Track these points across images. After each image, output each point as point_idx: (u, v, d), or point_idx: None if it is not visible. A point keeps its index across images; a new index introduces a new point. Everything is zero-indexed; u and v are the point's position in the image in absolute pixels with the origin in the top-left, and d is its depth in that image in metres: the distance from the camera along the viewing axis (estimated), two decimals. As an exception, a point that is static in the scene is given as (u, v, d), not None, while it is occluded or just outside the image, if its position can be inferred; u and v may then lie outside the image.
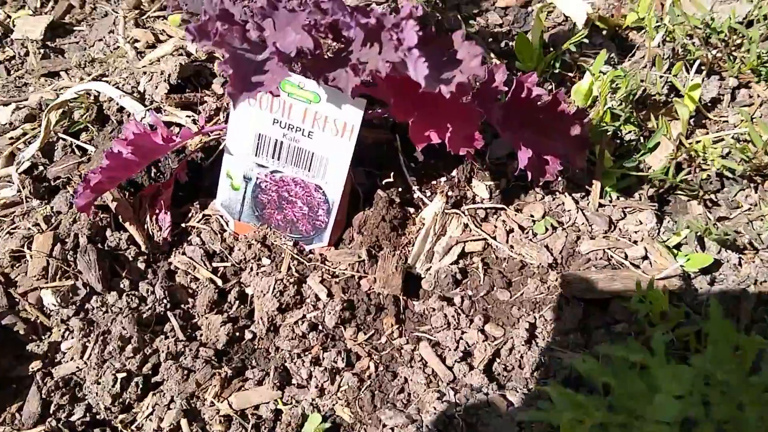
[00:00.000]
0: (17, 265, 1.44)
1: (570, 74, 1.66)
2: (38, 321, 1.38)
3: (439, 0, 1.83)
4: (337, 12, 1.03)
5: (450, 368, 1.32)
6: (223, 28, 1.04)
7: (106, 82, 1.67)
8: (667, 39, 1.65)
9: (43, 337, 1.37)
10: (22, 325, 1.36)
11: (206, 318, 1.41)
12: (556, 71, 1.65)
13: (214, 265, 1.48)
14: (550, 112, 1.40)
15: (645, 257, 1.43)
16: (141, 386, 1.31)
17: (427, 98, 1.30)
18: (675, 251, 1.44)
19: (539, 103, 1.39)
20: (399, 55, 0.99)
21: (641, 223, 1.47)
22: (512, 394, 1.27)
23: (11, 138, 1.67)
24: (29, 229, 1.47)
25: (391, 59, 1.01)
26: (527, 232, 1.48)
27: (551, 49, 1.69)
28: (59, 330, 1.37)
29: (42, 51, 1.90)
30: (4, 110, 1.73)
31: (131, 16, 1.90)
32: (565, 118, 1.40)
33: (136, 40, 1.82)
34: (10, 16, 2.01)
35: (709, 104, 1.63)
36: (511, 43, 1.73)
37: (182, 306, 1.44)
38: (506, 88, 1.39)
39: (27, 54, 1.91)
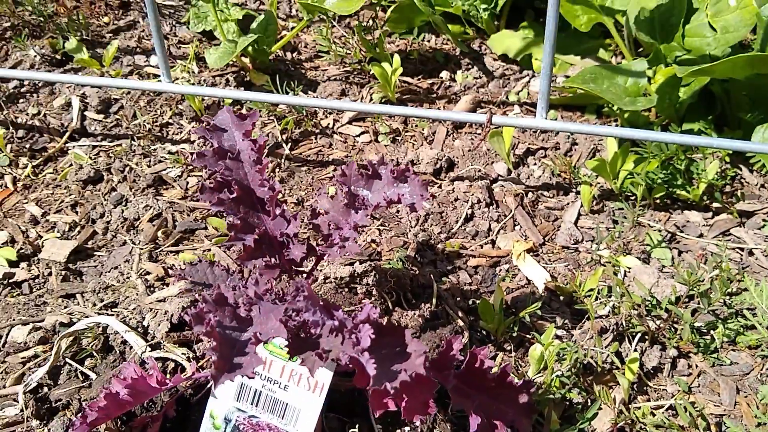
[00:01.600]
0: (9, 487, 1.58)
1: (528, 336, 1.86)
2: None
3: (418, 255, 2.07)
4: (309, 309, 1.24)
5: None
6: (215, 319, 1.24)
7: (116, 312, 1.89)
8: (614, 312, 1.86)
9: None
10: None
11: None
12: (515, 334, 1.84)
13: (189, 500, 1.61)
14: (500, 383, 1.58)
15: None
16: None
17: (388, 369, 1.49)
18: None
19: (490, 374, 1.57)
20: (355, 353, 1.19)
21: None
22: None
23: (23, 358, 1.86)
24: (26, 452, 1.62)
25: (349, 353, 1.20)
26: (479, 489, 1.61)
27: (513, 310, 1.91)
28: None
29: (63, 273, 2.13)
30: (22, 330, 1.94)
31: (146, 249, 2.14)
32: (513, 388, 1.58)
33: (148, 272, 2.06)
34: (41, 236, 2.27)
35: (651, 371, 1.81)
36: (478, 301, 1.94)
37: None
38: (462, 357, 1.58)
39: (50, 274, 2.14)
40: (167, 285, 2.01)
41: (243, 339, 1.29)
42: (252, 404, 1.59)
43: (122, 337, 1.82)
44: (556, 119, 2.59)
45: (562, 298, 1.97)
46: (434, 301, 1.91)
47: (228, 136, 1.56)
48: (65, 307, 2.01)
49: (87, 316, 1.90)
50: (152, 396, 1.62)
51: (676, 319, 1.87)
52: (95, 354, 1.82)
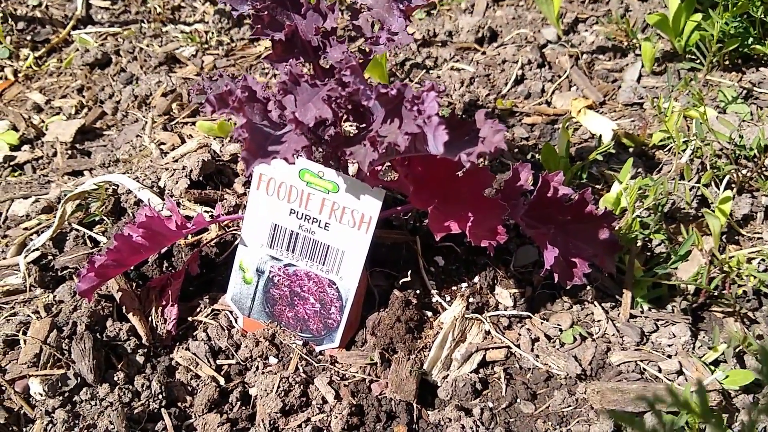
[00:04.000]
0: (10, 352, 1.36)
1: (597, 186, 1.62)
2: (22, 411, 1.28)
3: (465, 115, 1.84)
4: (357, 85, 1.01)
5: (466, 483, 1.19)
6: (243, 95, 1.02)
7: (129, 175, 1.67)
8: (696, 156, 1.62)
9: (24, 429, 1.26)
10: (3, 414, 1.26)
11: (203, 418, 1.30)
12: (583, 181, 1.61)
13: (219, 362, 1.39)
14: (577, 213, 1.35)
15: (680, 372, 1.31)
16: (123, 490, 1.18)
17: (447, 186, 1.26)
18: (712, 368, 1.33)
19: (566, 202, 1.34)
20: (418, 123, 0.96)
21: (674, 336, 1.37)
22: None
23: (25, 228, 1.64)
24: (28, 315, 1.41)
25: (411, 130, 0.97)
26: (554, 342, 1.39)
27: (579, 161, 1.67)
28: (42, 422, 1.26)
29: (69, 152, 1.92)
30: (23, 203, 1.72)
31: (160, 121, 1.92)
32: (593, 219, 1.34)
33: (162, 143, 1.84)
34: (44, 121, 2.06)
35: (741, 221, 1.57)
36: (537, 156, 1.71)
37: (179, 404, 1.33)
38: (531, 187, 1.35)
39: (55, 154, 1.93)
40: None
41: (278, 133, 1.07)
42: (288, 250, 1.36)
43: (135, 196, 1.60)
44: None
45: (631, 149, 1.73)
46: (487, 154, 1.67)
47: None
48: (72, 182, 1.80)
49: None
50: (171, 242, 1.40)
51: (764, 167, 1.62)
52: (105, 218, 1.60)
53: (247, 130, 0.99)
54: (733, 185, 1.60)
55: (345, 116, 1.16)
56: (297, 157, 1.11)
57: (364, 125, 1.13)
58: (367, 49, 1.23)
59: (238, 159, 1.69)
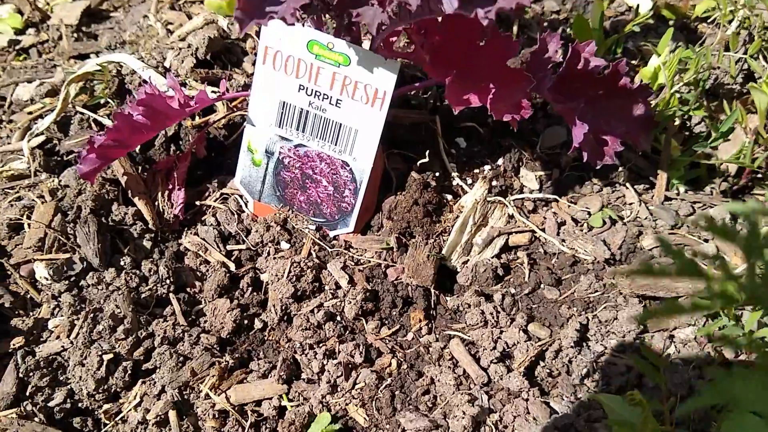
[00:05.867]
0: (14, 237, 1.32)
1: (633, 62, 1.50)
2: (28, 295, 1.24)
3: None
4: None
5: (485, 369, 1.13)
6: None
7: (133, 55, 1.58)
8: (743, 27, 1.48)
9: (31, 313, 1.23)
10: (9, 299, 1.22)
11: (213, 302, 1.25)
12: (618, 56, 1.48)
13: (229, 248, 1.34)
14: (610, 87, 1.23)
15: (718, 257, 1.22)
16: (129, 372, 1.15)
17: (467, 57, 1.16)
18: (753, 254, 1.24)
19: (597, 75, 1.22)
20: (432, -28, 0.85)
21: (713, 219, 1.27)
22: (557, 402, 1.08)
23: (29, 112, 1.58)
24: (33, 200, 1.36)
25: (424, -20, 0.87)
26: (581, 225, 1.30)
27: (613, 35, 1.54)
28: (49, 306, 1.23)
29: (75, 35, 1.83)
30: (28, 87, 1.65)
31: (168, 0, 1.81)
32: (627, 93, 1.23)
33: (170, 22, 1.74)
34: (48, 4, 1.96)
35: (792, 99, 1.44)
36: (568, 31, 1.58)
37: (188, 290, 1.29)
38: (560, 59, 1.24)
39: (60, 38, 1.84)
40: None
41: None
42: (298, 129, 1.28)
43: (140, 77, 1.51)
44: None
45: (672, 23, 1.59)
46: (515, 29, 1.55)
47: None
48: (77, 66, 1.72)
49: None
50: (174, 121, 1.32)
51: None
52: (110, 101, 1.53)
53: (241, -15, 0.89)
54: (784, 60, 1.47)
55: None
56: (298, 20, 1.00)
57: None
58: None
59: (247, 37, 1.59)
